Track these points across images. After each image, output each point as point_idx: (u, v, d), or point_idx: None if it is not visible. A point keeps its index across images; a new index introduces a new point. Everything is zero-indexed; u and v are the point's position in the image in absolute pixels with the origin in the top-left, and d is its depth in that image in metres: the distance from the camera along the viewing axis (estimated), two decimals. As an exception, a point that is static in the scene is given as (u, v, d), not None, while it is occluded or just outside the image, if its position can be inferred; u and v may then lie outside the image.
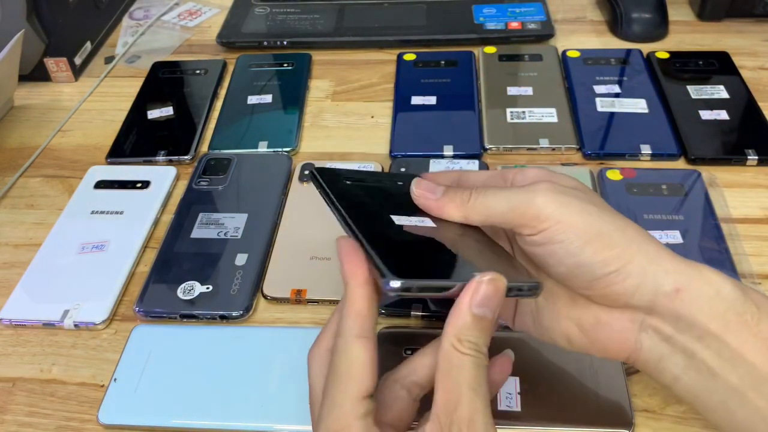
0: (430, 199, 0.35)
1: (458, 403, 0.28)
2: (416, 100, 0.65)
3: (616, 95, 0.64)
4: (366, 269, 0.31)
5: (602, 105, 0.63)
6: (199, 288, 0.49)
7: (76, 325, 0.48)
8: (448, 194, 0.35)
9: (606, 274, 0.31)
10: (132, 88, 0.70)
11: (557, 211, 0.32)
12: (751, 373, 0.30)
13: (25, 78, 0.71)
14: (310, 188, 0.57)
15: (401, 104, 0.65)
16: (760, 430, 0.30)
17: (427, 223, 0.35)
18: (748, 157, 0.57)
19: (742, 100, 0.63)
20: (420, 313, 0.46)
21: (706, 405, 0.31)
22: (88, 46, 0.75)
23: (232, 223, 0.54)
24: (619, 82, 0.65)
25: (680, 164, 0.58)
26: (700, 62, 0.68)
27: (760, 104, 0.62)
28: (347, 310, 0.31)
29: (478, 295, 0.29)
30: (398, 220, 0.34)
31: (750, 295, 0.31)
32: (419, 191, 0.36)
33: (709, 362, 0.30)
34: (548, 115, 0.62)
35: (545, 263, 0.33)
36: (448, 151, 0.59)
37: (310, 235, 0.52)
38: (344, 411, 0.29)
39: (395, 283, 0.28)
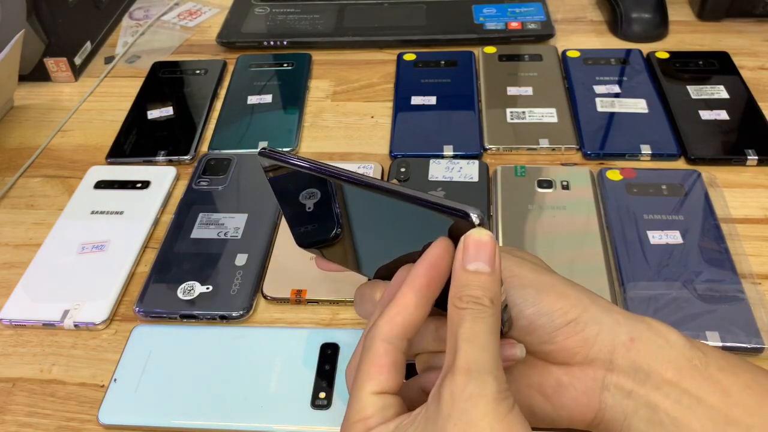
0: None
1: (455, 356, 0.27)
2: (416, 100, 0.65)
3: (616, 95, 0.64)
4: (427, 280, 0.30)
5: (602, 105, 0.63)
6: (199, 288, 0.49)
7: (76, 325, 0.48)
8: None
9: (566, 323, 0.31)
10: (132, 88, 0.70)
11: (511, 265, 0.32)
12: (712, 417, 0.30)
13: (25, 78, 0.71)
14: (310, 188, 0.57)
15: (401, 104, 0.65)
16: None
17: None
18: (748, 157, 0.57)
19: (742, 100, 0.63)
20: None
21: None
22: (88, 46, 0.75)
23: (232, 223, 0.54)
24: (619, 82, 0.65)
25: (680, 164, 0.58)
26: (700, 62, 0.68)
27: (760, 104, 0.62)
28: (385, 312, 0.30)
29: (467, 252, 0.29)
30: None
31: (694, 342, 0.32)
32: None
33: (671, 412, 0.30)
34: (548, 115, 0.62)
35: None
36: (448, 151, 0.59)
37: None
38: (361, 405, 0.29)
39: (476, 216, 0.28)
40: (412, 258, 0.31)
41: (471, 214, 0.28)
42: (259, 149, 0.35)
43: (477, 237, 0.29)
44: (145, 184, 0.58)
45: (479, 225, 0.28)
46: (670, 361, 0.31)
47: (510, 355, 0.31)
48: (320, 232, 0.37)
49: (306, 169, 0.33)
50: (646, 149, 0.58)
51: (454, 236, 0.30)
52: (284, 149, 0.61)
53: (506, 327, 0.31)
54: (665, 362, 0.31)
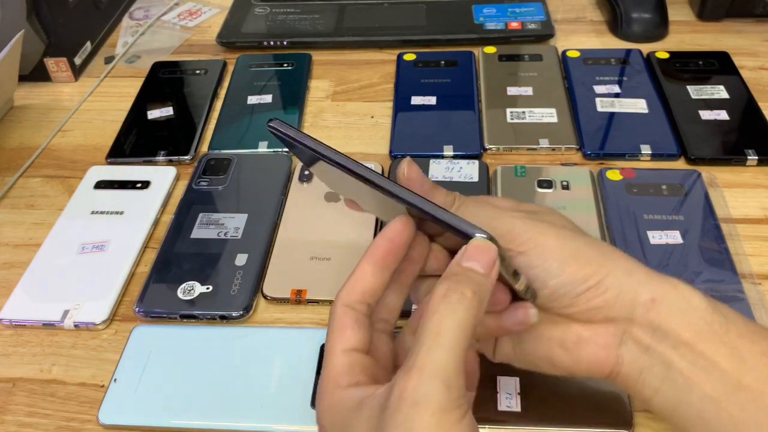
0: (416, 188, 0.33)
1: (417, 352, 0.27)
2: (416, 100, 0.65)
3: (616, 95, 0.64)
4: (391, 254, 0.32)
5: (602, 105, 0.63)
6: (199, 288, 0.49)
7: (76, 325, 0.48)
8: (435, 191, 0.34)
9: (586, 289, 0.32)
10: (132, 88, 0.70)
11: (535, 235, 0.32)
12: (724, 381, 0.30)
13: (25, 78, 0.71)
14: (310, 188, 0.57)
15: (401, 104, 0.65)
16: None
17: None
18: (748, 157, 0.57)
19: (742, 100, 0.63)
20: (420, 313, 0.46)
21: (683, 417, 0.32)
22: (88, 46, 0.75)
23: (232, 223, 0.54)
24: (619, 82, 0.65)
25: (680, 164, 0.58)
26: (700, 62, 0.68)
27: (760, 104, 0.62)
28: (346, 282, 0.32)
29: (467, 252, 0.29)
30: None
31: (717, 305, 0.32)
32: (408, 174, 0.34)
33: (685, 372, 0.31)
34: (548, 115, 0.62)
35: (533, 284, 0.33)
36: (448, 151, 0.59)
37: (310, 235, 0.52)
38: (331, 364, 0.30)
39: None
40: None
41: (477, 236, 0.29)
42: (268, 121, 0.34)
43: (480, 243, 0.29)
44: (145, 184, 0.58)
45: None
46: (690, 323, 0.31)
47: (523, 319, 0.32)
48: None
49: (312, 151, 0.33)
50: (646, 149, 0.58)
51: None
52: (284, 149, 0.61)
53: (530, 297, 0.32)
54: (684, 324, 0.31)
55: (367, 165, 0.32)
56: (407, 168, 0.34)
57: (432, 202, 0.31)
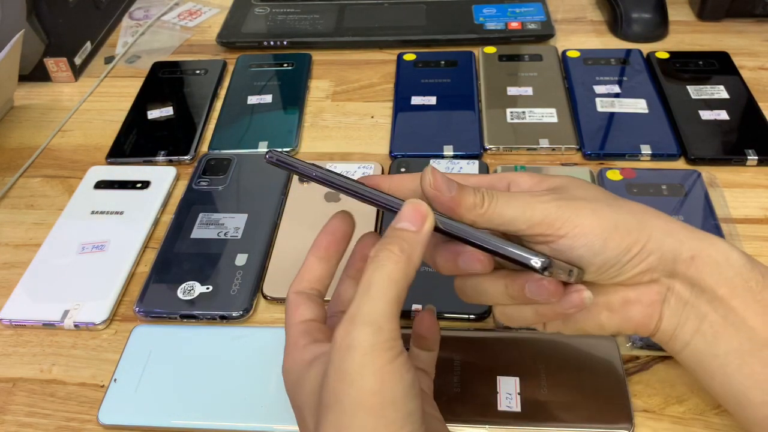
0: (444, 195, 0.33)
1: (351, 302, 0.29)
2: (416, 100, 0.65)
3: (616, 95, 0.64)
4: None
5: (602, 105, 0.63)
6: (199, 288, 0.49)
7: (76, 325, 0.48)
8: (462, 193, 0.34)
9: (630, 258, 0.33)
10: (132, 88, 0.70)
11: (572, 216, 0.33)
12: (751, 337, 0.32)
13: (25, 78, 0.71)
14: (310, 188, 0.57)
15: (401, 104, 0.65)
16: (754, 396, 0.32)
17: None
18: (748, 157, 0.57)
19: (742, 100, 0.63)
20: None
21: (707, 370, 0.33)
22: (88, 46, 0.75)
23: (232, 223, 0.54)
24: (619, 82, 0.65)
25: (680, 164, 0.58)
26: (700, 62, 0.68)
27: (760, 104, 0.62)
28: (296, 275, 0.35)
29: (398, 215, 0.31)
30: None
31: (756, 264, 0.33)
32: (434, 184, 0.34)
33: (716, 326, 0.32)
34: (548, 115, 0.62)
35: (578, 265, 0.34)
36: (448, 151, 0.59)
37: (310, 235, 0.52)
38: (291, 334, 0.34)
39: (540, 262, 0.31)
40: None
41: (536, 262, 0.31)
42: (266, 152, 0.34)
43: (415, 204, 0.31)
44: (145, 184, 0.58)
45: (545, 272, 0.31)
46: (726, 280, 0.32)
47: (579, 303, 0.33)
48: None
49: (319, 181, 0.33)
50: (646, 149, 0.58)
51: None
52: (284, 149, 0.61)
53: (575, 277, 0.33)
54: (721, 280, 0.32)
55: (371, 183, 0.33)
56: (432, 178, 0.34)
57: (451, 218, 0.32)
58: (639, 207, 0.34)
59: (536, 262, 0.30)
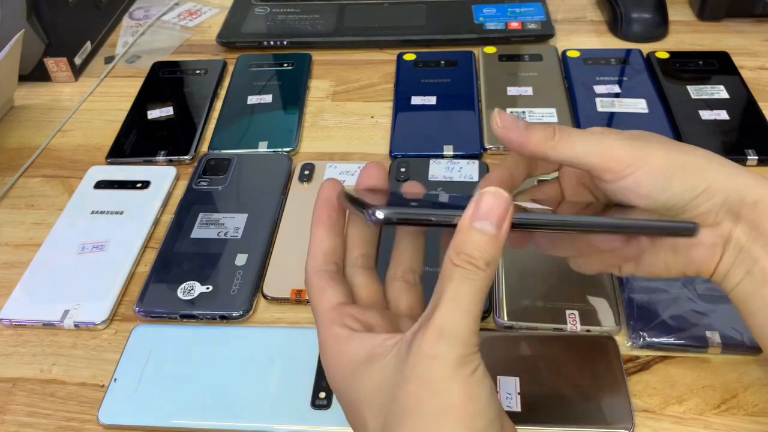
0: (514, 132, 0.34)
1: (434, 310, 0.28)
2: (416, 100, 0.65)
3: (616, 95, 0.64)
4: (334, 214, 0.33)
5: (602, 105, 0.63)
6: (199, 288, 0.49)
7: (76, 325, 0.48)
8: (531, 129, 0.35)
9: (695, 197, 0.33)
10: (132, 88, 0.70)
11: (642, 156, 0.34)
12: None
13: (25, 78, 0.71)
14: (310, 188, 0.57)
15: (401, 104, 0.65)
16: None
17: None
18: (748, 157, 0.57)
19: (742, 100, 0.63)
20: (420, 313, 0.46)
21: (750, 310, 0.34)
22: (88, 46, 0.75)
23: (232, 223, 0.54)
24: (619, 82, 0.65)
25: (680, 164, 0.58)
26: (700, 62, 0.68)
27: (760, 104, 0.62)
28: (308, 254, 0.34)
29: (478, 209, 0.28)
30: None
31: None
32: (502, 123, 0.35)
33: (766, 269, 0.33)
34: (548, 115, 0.62)
35: (638, 204, 0.35)
36: (448, 151, 0.59)
37: (310, 235, 0.52)
38: (324, 324, 0.32)
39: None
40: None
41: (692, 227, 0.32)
42: (382, 216, 0.28)
43: (495, 194, 0.28)
44: (145, 184, 0.58)
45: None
46: None
47: (640, 246, 0.34)
48: None
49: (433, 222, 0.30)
50: (646, 149, 0.58)
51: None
52: (284, 149, 0.61)
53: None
54: None
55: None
56: (499, 119, 0.35)
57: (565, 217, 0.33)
58: (709, 153, 0.35)
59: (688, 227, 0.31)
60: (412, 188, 0.36)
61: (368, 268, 0.35)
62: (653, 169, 0.33)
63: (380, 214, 0.28)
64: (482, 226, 0.28)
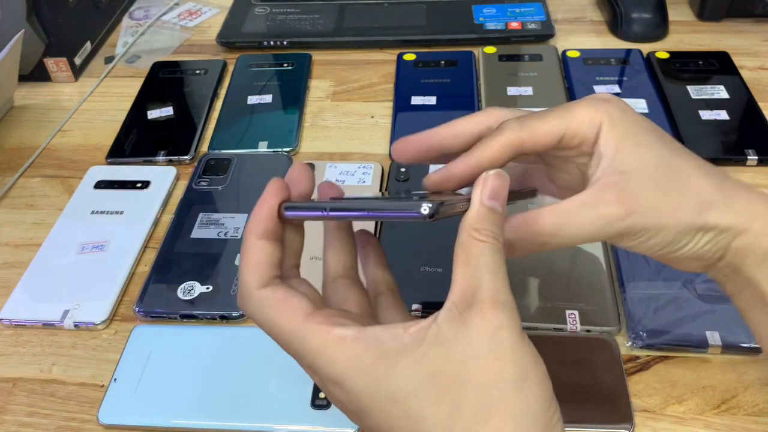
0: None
1: (478, 287, 0.28)
2: (416, 100, 0.65)
3: (616, 95, 0.64)
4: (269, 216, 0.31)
5: (602, 105, 0.63)
6: (199, 288, 0.49)
7: (76, 325, 0.48)
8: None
9: (686, 243, 0.34)
10: (132, 88, 0.70)
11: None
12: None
13: (25, 78, 0.71)
14: (310, 188, 0.57)
15: (401, 104, 0.65)
16: None
17: None
18: (748, 157, 0.57)
19: (742, 100, 0.63)
20: (420, 313, 0.46)
21: (750, 321, 0.35)
22: (88, 46, 0.75)
23: (232, 223, 0.54)
24: (619, 82, 0.65)
25: (680, 164, 0.58)
26: (700, 62, 0.68)
27: (760, 104, 0.62)
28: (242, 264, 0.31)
29: (487, 188, 0.30)
30: None
31: None
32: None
33: (750, 301, 0.34)
34: (548, 115, 0.62)
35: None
36: (448, 151, 0.59)
37: (310, 235, 0.52)
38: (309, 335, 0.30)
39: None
40: None
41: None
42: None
43: (502, 176, 0.30)
44: (145, 184, 0.58)
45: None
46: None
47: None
48: None
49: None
50: (646, 149, 0.58)
51: None
52: (284, 149, 0.61)
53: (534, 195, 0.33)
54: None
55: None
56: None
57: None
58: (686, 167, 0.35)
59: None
60: (330, 189, 0.35)
61: (299, 276, 0.34)
62: (646, 217, 0.32)
63: (426, 210, 0.27)
64: (493, 205, 0.29)
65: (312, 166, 0.58)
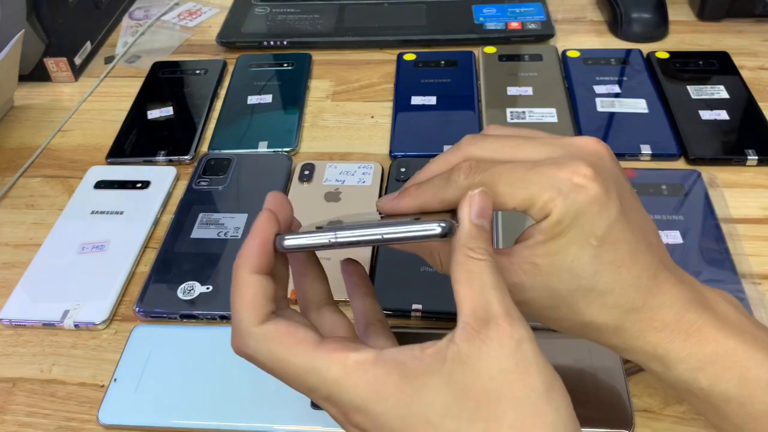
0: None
1: (489, 304, 0.28)
2: (416, 100, 0.65)
3: (616, 95, 0.64)
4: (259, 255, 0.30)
5: (602, 105, 0.63)
6: (199, 288, 0.49)
7: (76, 325, 0.48)
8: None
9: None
10: (132, 88, 0.70)
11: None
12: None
13: (25, 78, 0.71)
14: (310, 188, 0.57)
15: (401, 104, 0.65)
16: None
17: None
18: (748, 157, 0.57)
19: (742, 100, 0.63)
20: (420, 314, 0.46)
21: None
22: (88, 46, 0.75)
23: (232, 223, 0.54)
24: (619, 82, 0.65)
25: (680, 164, 0.58)
26: (700, 62, 0.68)
27: (760, 104, 0.62)
28: (237, 304, 0.30)
29: (474, 207, 0.30)
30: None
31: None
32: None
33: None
34: (548, 115, 0.62)
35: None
36: (448, 151, 0.59)
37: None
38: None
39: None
40: None
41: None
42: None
43: (485, 195, 0.30)
44: (145, 184, 0.58)
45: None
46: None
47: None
48: None
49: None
50: (646, 149, 0.58)
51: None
52: (284, 149, 0.61)
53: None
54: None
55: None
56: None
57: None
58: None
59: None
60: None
61: (289, 306, 0.33)
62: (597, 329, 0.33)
63: (438, 230, 0.29)
64: (482, 223, 0.30)
65: (312, 166, 0.58)
